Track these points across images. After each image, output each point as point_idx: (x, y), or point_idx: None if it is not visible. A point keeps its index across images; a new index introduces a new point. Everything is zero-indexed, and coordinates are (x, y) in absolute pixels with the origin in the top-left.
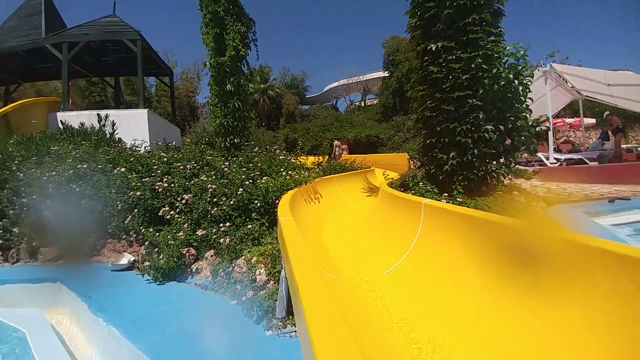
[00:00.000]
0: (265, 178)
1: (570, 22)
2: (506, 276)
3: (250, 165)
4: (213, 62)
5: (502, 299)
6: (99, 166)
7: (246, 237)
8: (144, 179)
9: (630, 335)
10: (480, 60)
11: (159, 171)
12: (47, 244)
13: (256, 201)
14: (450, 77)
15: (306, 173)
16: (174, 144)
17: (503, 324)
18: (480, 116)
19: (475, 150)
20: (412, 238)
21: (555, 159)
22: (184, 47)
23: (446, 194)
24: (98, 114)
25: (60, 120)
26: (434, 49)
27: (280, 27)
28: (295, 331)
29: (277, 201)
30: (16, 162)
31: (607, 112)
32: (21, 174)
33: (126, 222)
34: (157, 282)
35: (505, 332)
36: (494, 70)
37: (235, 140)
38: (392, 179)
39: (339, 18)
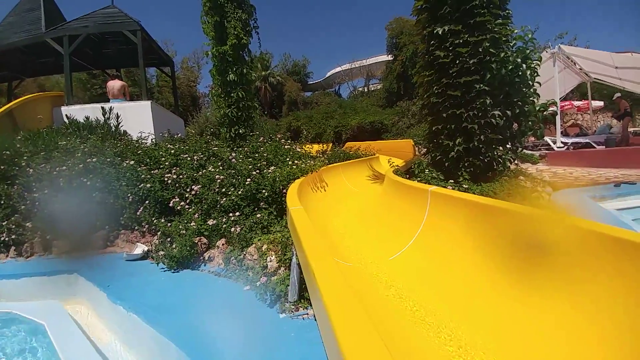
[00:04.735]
0: (272, 168)
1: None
2: (512, 265)
3: (256, 155)
4: (214, 51)
5: (508, 288)
6: (108, 159)
7: (255, 225)
8: (152, 171)
9: (631, 321)
10: (487, 44)
11: (167, 163)
12: (60, 237)
13: (264, 191)
14: (457, 61)
15: (312, 162)
16: (178, 135)
17: (506, 313)
18: (487, 101)
19: (482, 136)
20: (417, 225)
21: (562, 142)
22: (183, 35)
23: (452, 181)
24: (102, 107)
25: (66, 115)
26: (440, 32)
27: (278, 8)
28: (307, 314)
29: (284, 190)
30: (25, 157)
31: (618, 94)
32: (31, 170)
33: (138, 213)
34: (172, 270)
35: (508, 321)
36: (502, 54)
37: (240, 131)
38: (397, 166)
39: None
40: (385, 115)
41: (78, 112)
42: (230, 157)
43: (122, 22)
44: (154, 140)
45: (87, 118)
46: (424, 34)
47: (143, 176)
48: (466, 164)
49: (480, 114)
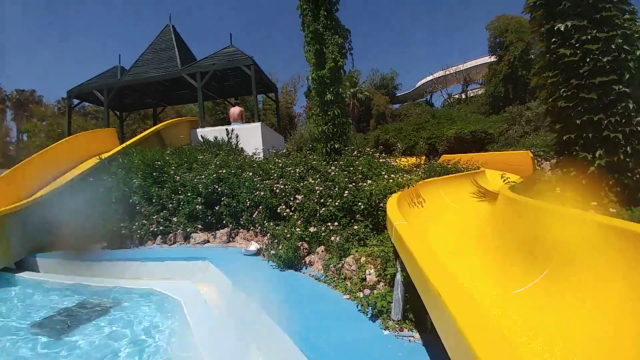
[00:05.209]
0: (369, 181)
1: None
2: None
3: (351, 168)
4: (314, 75)
5: None
6: (232, 171)
7: (352, 237)
8: (264, 181)
9: None
10: (620, 41)
11: (275, 175)
12: (197, 231)
13: (360, 203)
14: (588, 59)
15: (408, 176)
16: (282, 150)
17: None
18: (631, 106)
19: (628, 148)
20: (549, 256)
21: None
22: (283, 64)
23: (594, 203)
24: (226, 129)
25: (201, 135)
26: (562, 29)
27: (365, 23)
28: (413, 337)
29: (380, 204)
30: (173, 167)
31: None
32: (177, 177)
33: (253, 216)
34: (280, 269)
35: None
36: (638, 52)
37: (336, 145)
38: (513, 182)
39: (428, 4)
40: (489, 123)
41: (209, 133)
42: (329, 170)
43: (240, 59)
44: (261, 155)
45: (216, 138)
46: (542, 31)
47: (258, 185)
48: (610, 182)
49: (623, 121)
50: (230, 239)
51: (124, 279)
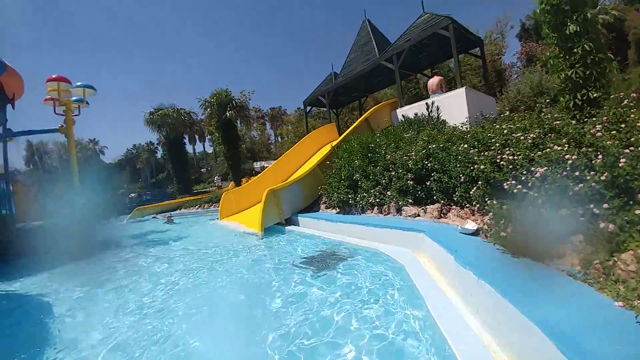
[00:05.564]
0: None
1: None
2: None
3: (623, 126)
4: (545, 6)
5: None
6: (441, 145)
7: (630, 225)
8: (482, 153)
9: None
10: None
11: (497, 144)
12: (407, 204)
13: None
14: None
15: None
16: (491, 115)
17: None
18: None
19: None
20: None
21: None
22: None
23: None
24: (426, 103)
25: (402, 115)
26: None
27: None
28: None
29: None
30: (384, 148)
31: None
32: (388, 156)
33: (471, 192)
34: (511, 255)
35: None
36: None
37: (592, 94)
38: None
39: None
40: None
41: (409, 111)
42: (594, 131)
43: (435, 23)
44: (467, 125)
45: (416, 114)
46: None
47: (475, 158)
48: None
49: None
50: (442, 215)
51: (353, 237)
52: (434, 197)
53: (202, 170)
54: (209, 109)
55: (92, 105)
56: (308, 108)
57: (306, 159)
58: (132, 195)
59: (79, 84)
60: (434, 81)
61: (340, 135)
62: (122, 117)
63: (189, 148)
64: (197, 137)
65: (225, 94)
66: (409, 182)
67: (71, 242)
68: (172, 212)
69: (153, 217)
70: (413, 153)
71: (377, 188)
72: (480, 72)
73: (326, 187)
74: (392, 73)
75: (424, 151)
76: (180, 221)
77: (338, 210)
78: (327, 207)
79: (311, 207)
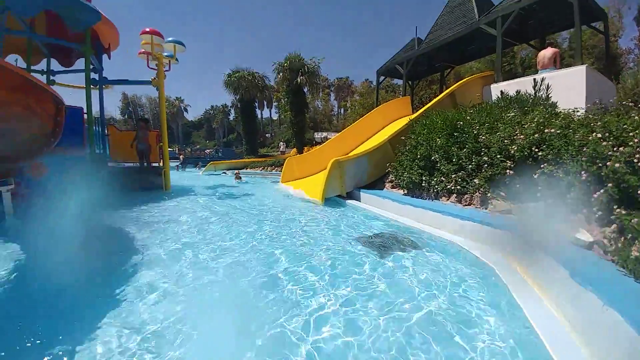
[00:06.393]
0: None
1: None
2: None
3: None
4: None
5: None
6: (557, 131)
7: None
8: (616, 149)
9: None
10: None
11: (635, 139)
12: (498, 198)
13: None
14: None
15: None
16: (610, 104)
17: None
18: None
19: None
20: None
21: None
22: None
23: None
24: (534, 79)
25: (500, 90)
26: None
27: None
28: None
29: None
30: (477, 128)
31: None
32: (482, 137)
33: (594, 196)
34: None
35: None
36: None
37: None
38: None
39: None
40: None
41: (507, 87)
42: None
43: None
44: (581, 111)
45: (518, 92)
46: None
47: (610, 153)
48: None
49: None
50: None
51: (423, 224)
52: (538, 194)
53: (267, 135)
54: (281, 73)
55: (179, 63)
56: (381, 79)
57: (373, 133)
58: (208, 150)
59: (170, 39)
60: (546, 53)
61: (413, 111)
62: (202, 79)
63: (257, 113)
64: (265, 102)
65: (298, 58)
66: (507, 171)
67: (155, 183)
68: (240, 170)
69: (223, 173)
70: (522, 136)
71: (459, 173)
72: (594, 52)
73: (396, 164)
74: (491, 40)
75: (535, 135)
76: (247, 180)
77: (406, 191)
78: (392, 187)
79: (374, 185)
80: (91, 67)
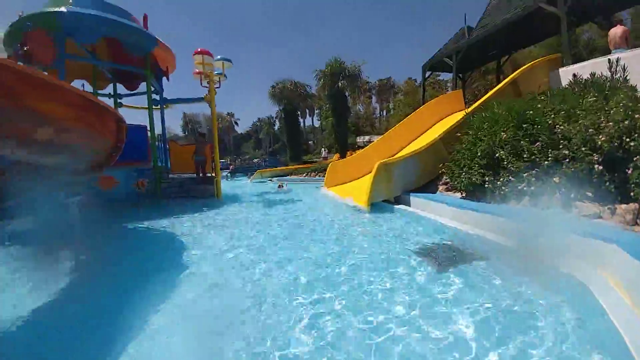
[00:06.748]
0: None
1: None
2: None
3: None
4: None
5: None
6: None
7: None
8: None
9: None
10: None
11: None
12: (583, 199)
13: None
14: None
15: None
16: None
17: None
18: None
19: None
20: None
21: None
22: None
23: None
24: (608, 60)
25: (574, 74)
26: None
27: None
28: None
29: None
30: (552, 117)
31: None
32: (559, 127)
33: None
34: None
35: None
36: None
37: None
38: None
39: None
40: None
41: (580, 69)
42: None
43: None
44: None
45: (593, 74)
46: None
47: None
48: None
49: None
50: (638, 222)
51: (488, 231)
52: (632, 194)
53: (310, 142)
54: (322, 80)
55: (227, 79)
56: (427, 74)
57: (421, 132)
58: (256, 160)
59: (218, 57)
60: (617, 31)
61: (466, 106)
62: (250, 92)
63: (299, 121)
64: (307, 111)
65: (338, 63)
66: (596, 166)
67: (209, 191)
68: (283, 178)
69: (269, 180)
70: (611, 124)
71: (532, 172)
72: None
73: (450, 164)
74: (552, 21)
75: (626, 122)
76: (290, 187)
77: (464, 194)
78: (447, 190)
79: (426, 187)
80: (152, 89)
